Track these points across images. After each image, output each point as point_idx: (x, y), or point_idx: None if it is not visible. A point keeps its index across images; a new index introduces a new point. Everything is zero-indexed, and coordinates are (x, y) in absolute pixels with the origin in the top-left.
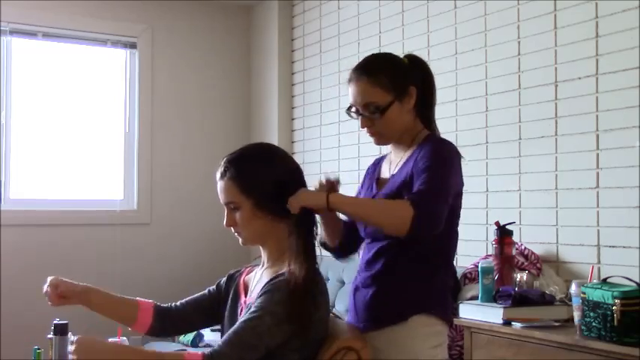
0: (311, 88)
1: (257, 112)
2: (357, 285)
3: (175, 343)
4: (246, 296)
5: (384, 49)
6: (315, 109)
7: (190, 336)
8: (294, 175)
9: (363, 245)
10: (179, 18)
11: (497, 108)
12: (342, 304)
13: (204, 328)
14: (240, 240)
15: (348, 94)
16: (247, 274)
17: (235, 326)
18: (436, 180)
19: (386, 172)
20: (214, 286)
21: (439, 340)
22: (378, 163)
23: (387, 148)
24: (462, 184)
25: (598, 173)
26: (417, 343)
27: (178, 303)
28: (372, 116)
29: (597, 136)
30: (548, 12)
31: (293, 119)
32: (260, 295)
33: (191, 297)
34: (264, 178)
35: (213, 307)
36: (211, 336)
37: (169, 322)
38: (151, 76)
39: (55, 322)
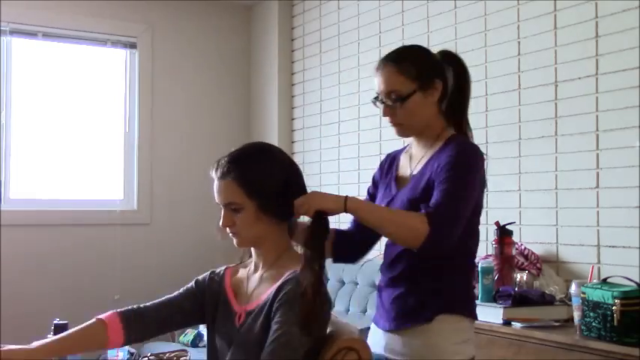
0: (311, 88)
1: (257, 112)
2: (381, 285)
3: (175, 344)
4: (239, 303)
5: (384, 49)
6: (315, 109)
7: (190, 336)
8: (294, 175)
9: (382, 245)
10: (179, 18)
11: (497, 108)
12: (342, 304)
13: (184, 327)
14: (235, 241)
15: (375, 84)
16: (232, 276)
17: (268, 349)
18: (455, 195)
19: (406, 168)
20: (193, 284)
21: (465, 336)
22: (395, 157)
23: (396, 144)
24: (484, 186)
25: (598, 173)
26: (442, 340)
27: (149, 304)
28: (393, 105)
29: (597, 136)
30: (548, 12)
31: (293, 119)
32: (277, 309)
33: (164, 298)
34: (269, 179)
35: (195, 307)
36: None
37: (142, 327)
38: (151, 76)
39: (55, 322)
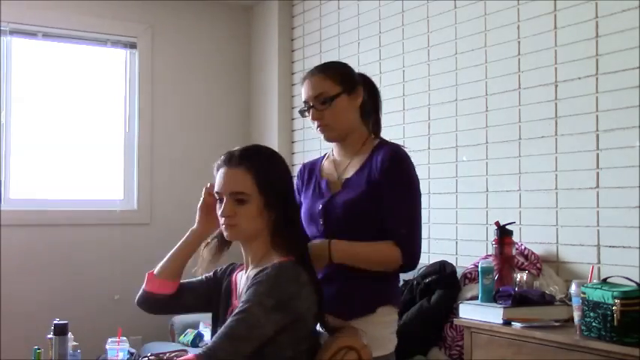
0: None
1: (257, 112)
2: (325, 277)
3: (175, 344)
4: (236, 298)
5: (384, 49)
6: None
7: (190, 336)
8: (291, 185)
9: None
10: (179, 18)
11: (497, 108)
12: None
13: (197, 312)
14: (227, 233)
15: (302, 95)
16: (238, 273)
17: (227, 322)
18: (412, 215)
19: (332, 173)
20: (211, 274)
21: (395, 327)
22: (314, 165)
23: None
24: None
25: (598, 173)
26: (382, 329)
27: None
28: (322, 107)
29: (597, 136)
30: (548, 12)
31: (293, 119)
32: (247, 290)
33: (185, 281)
34: (278, 180)
35: (208, 294)
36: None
37: (162, 302)
38: (151, 76)
39: (55, 322)
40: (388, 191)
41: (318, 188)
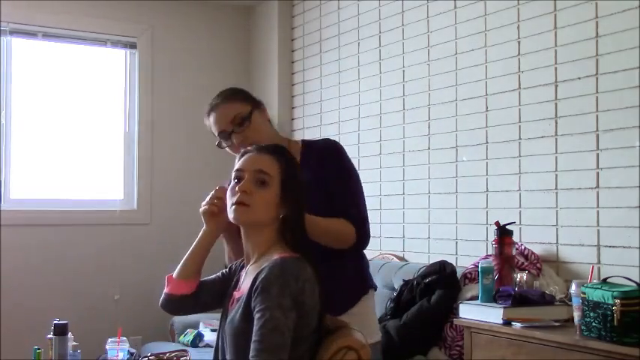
0: (311, 88)
1: None
2: None
3: (175, 344)
4: (236, 290)
5: (384, 49)
6: (315, 109)
7: (190, 336)
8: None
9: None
10: (179, 18)
11: (497, 108)
12: None
13: (216, 309)
14: (238, 214)
15: (211, 128)
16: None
17: (255, 335)
18: (358, 197)
19: None
20: (227, 269)
21: (374, 305)
22: None
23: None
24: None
25: (598, 173)
26: (370, 313)
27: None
28: (241, 127)
29: (597, 136)
30: (548, 12)
31: (293, 119)
32: (256, 297)
33: (204, 279)
34: (300, 182)
35: (223, 290)
36: (211, 336)
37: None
38: (151, 76)
39: (55, 322)
40: (332, 179)
41: None
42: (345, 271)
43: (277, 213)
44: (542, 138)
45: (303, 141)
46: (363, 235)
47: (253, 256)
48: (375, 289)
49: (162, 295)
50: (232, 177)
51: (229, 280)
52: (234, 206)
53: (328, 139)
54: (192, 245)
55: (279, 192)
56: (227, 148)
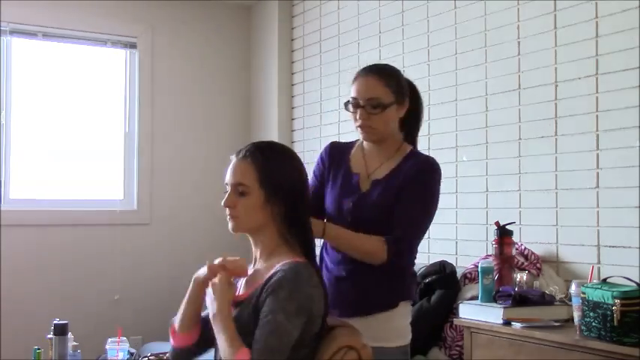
0: (311, 88)
1: (257, 112)
2: (337, 276)
3: None
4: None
5: (384, 49)
6: (315, 109)
7: None
8: (303, 185)
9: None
10: (179, 18)
11: (497, 108)
12: None
13: None
14: (230, 225)
15: (352, 90)
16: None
17: (257, 336)
18: (417, 222)
19: (361, 167)
20: None
21: (410, 318)
22: (345, 149)
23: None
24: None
25: (598, 173)
26: (403, 322)
27: None
28: (372, 111)
29: (597, 136)
30: (548, 12)
31: (293, 119)
32: (265, 299)
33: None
34: (283, 177)
35: None
36: None
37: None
38: (151, 76)
39: (55, 322)
40: (406, 193)
41: (347, 181)
42: (389, 273)
43: (267, 213)
44: (542, 138)
45: (412, 150)
46: (393, 256)
47: (261, 257)
48: (412, 302)
49: (170, 349)
50: None
51: None
52: (227, 218)
53: (432, 159)
54: (186, 296)
55: (262, 195)
56: (350, 113)
